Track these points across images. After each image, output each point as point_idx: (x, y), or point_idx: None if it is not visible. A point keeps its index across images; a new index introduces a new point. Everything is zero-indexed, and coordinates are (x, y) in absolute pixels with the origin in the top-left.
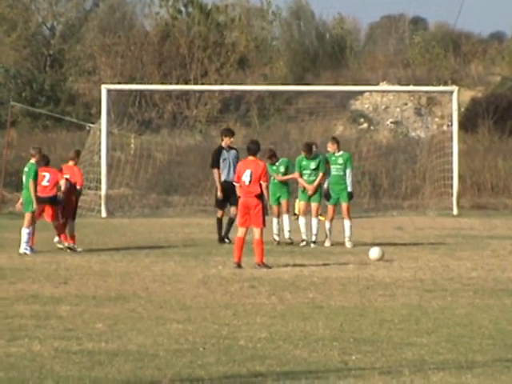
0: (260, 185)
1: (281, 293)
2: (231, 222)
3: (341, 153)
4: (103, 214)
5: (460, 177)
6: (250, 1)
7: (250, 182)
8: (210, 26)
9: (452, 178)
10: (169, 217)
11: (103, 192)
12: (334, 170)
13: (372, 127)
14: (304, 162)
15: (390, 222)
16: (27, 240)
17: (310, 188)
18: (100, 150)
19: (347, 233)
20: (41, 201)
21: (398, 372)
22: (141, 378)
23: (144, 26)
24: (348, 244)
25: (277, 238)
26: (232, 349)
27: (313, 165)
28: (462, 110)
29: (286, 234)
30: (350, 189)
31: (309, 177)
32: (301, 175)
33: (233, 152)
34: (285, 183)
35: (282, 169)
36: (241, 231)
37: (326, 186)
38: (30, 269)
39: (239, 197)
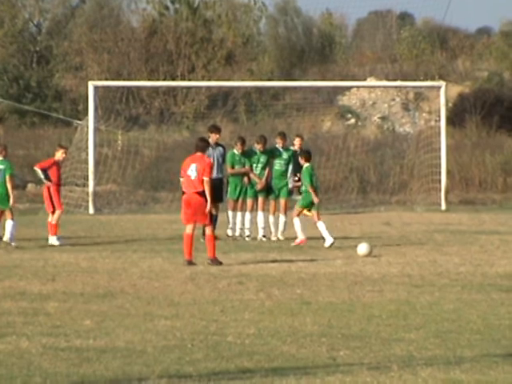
0: (203, 182)
1: (269, 289)
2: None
3: (286, 148)
4: (90, 210)
5: (448, 172)
6: None
7: (195, 176)
8: (197, 22)
9: (440, 173)
10: (156, 213)
11: (90, 188)
12: (278, 164)
13: (359, 123)
14: (256, 156)
15: (377, 217)
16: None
17: (262, 183)
18: (87, 147)
19: (281, 227)
20: None
21: (386, 368)
22: (129, 374)
23: (131, 22)
24: (280, 236)
25: (230, 233)
26: (220, 345)
27: (263, 158)
28: (450, 105)
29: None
30: (290, 185)
31: (261, 170)
32: (251, 169)
33: (219, 149)
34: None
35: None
36: (188, 228)
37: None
38: (18, 266)
39: (183, 192)
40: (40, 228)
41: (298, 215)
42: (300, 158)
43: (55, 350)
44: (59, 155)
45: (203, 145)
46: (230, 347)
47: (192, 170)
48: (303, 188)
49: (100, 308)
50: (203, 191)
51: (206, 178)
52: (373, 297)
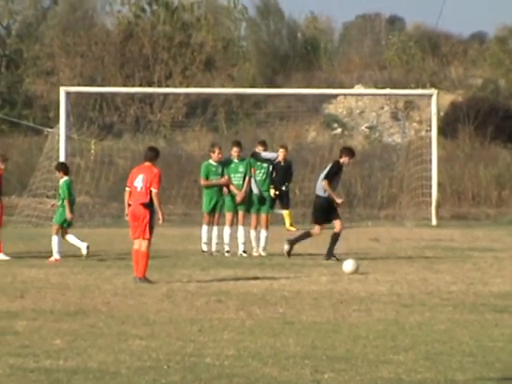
0: (149, 194)
1: (249, 307)
2: (336, 237)
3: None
4: None
5: (439, 185)
6: None
7: (141, 187)
8: (175, 25)
9: (431, 186)
10: None
11: None
12: (259, 175)
13: (346, 132)
14: (232, 165)
15: (365, 232)
16: None
17: (241, 195)
18: (58, 156)
19: (262, 243)
20: None
21: None
22: None
23: (105, 24)
24: (262, 252)
25: (205, 249)
26: (198, 367)
27: (242, 167)
28: (442, 114)
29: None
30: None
31: (239, 181)
32: (229, 179)
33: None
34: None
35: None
36: (136, 243)
37: (257, 191)
38: None
39: (129, 204)
40: (8, 242)
41: (57, 233)
42: (58, 172)
43: (24, 371)
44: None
45: (152, 154)
46: (209, 369)
47: (139, 181)
48: (59, 202)
49: (71, 327)
50: (148, 203)
51: (154, 190)
52: (359, 316)
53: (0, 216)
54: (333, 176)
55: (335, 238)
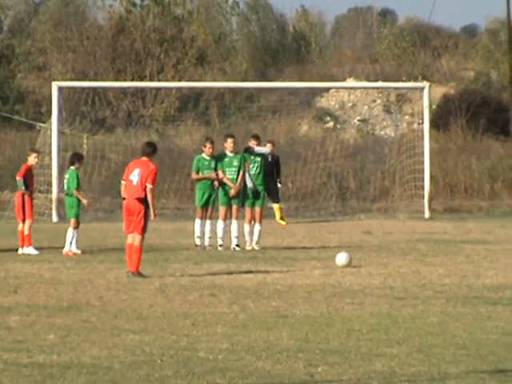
0: (145, 189)
1: (243, 301)
2: None
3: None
4: (54, 218)
5: (431, 178)
6: None
7: (137, 182)
8: (166, 19)
9: (423, 179)
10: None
11: (54, 195)
12: (253, 169)
13: (338, 126)
14: (227, 159)
15: (357, 225)
16: None
17: (235, 189)
18: (51, 151)
19: (256, 237)
20: None
21: None
22: None
23: (97, 19)
24: (256, 246)
25: (198, 243)
26: (191, 361)
27: (235, 162)
28: (434, 107)
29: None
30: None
31: (233, 175)
32: (223, 173)
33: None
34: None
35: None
36: (129, 237)
37: (251, 184)
38: None
39: (124, 198)
40: (1, 237)
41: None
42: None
43: (17, 366)
44: (32, 160)
45: (149, 150)
46: (202, 363)
47: (134, 175)
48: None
49: (64, 322)
50: (143, 198)
51: (149, 186)
52: (352, 310)
53: (30, 209)
54: None
55: None
